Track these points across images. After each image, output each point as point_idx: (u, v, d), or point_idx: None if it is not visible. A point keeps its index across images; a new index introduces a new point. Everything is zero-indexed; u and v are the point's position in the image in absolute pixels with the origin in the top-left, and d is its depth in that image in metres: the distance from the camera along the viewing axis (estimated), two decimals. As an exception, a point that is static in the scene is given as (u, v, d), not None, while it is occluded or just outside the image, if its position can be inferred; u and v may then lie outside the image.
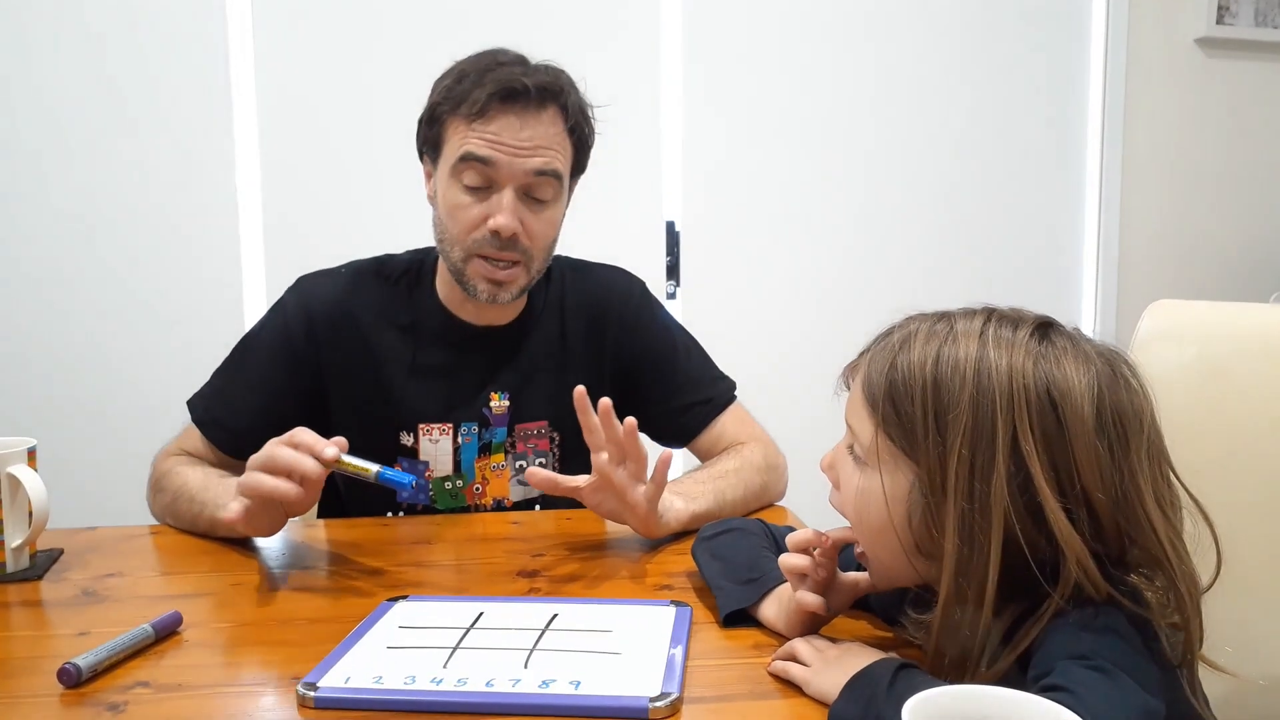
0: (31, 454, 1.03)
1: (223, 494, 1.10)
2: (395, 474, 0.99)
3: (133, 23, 2.21)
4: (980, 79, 2.52)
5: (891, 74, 2.49)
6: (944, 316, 0.73)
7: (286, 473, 0.96)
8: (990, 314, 0.72)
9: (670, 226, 2.44)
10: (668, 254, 2.44)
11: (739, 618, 0.87)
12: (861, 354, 0.77)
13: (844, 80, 2.47)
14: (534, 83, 1.17)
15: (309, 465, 0.96)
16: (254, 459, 0.99)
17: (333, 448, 0.97)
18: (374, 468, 0.99)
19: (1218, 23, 2.54)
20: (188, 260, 2.27)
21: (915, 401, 0.68)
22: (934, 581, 0.71)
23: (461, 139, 1.17)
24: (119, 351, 2.26)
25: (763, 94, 2.45)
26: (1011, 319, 0.71)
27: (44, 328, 2.24)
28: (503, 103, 1.16)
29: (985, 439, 0.66)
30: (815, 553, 0.80)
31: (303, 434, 1.00)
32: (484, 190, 1.18)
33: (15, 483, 1.01)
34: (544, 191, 1.20)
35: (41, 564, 1.04)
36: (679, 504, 1.12)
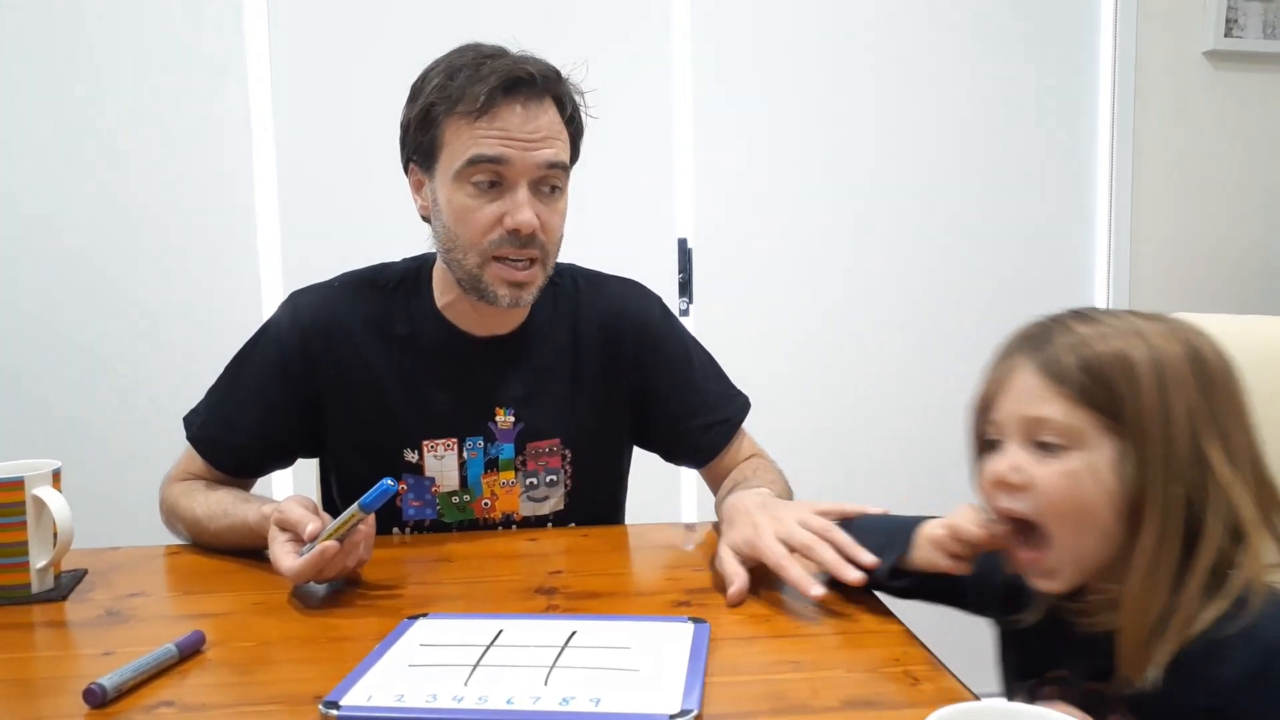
0: (56, 476, 1.04)
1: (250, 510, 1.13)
2: (372, 492, 0.97)
3: (148, 23, 2.24)
4: (991, 93, 2.52)
5: (902, 90, 2.50)
6: (1075, 313, 0.82)
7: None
8: (1115, 310, 0.83)
9: (683, 244, 2.45)
10: (680, 271, 2.45)
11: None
12: (1002, 363, 0.82)
13: (855, 96, 2.48)
14: (536, 71, 1.13)
15: (335, 571, 1.00)
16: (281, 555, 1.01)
17: (313, 524, 0.99)
18: (352, 508, 0.98)
19: (1226, 35, 2.54)
20: (207, 281, 2.29)
21: (1110, 368, 0.76)
22: (1116, 561, 0.77)
23: (467, 140, 1.12)
24: (141, 373, 2.27)
25: (775, 110, 2.46)
26: (1135, 310, 0.83)
27: (67, 350, 2.26)
28: (506, 95, 1.12)
29: (1165, 386, 0.75)
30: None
31: (290, 511, 1.01)
32: (494, 189, 1.14)
33: (40, 504, 1.02)
34: (554, 183, 1.17)
35: (66, 585, 1.05)
36: (764, 490, 1.13)
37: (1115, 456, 0.75)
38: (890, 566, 0.94)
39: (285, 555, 0.99)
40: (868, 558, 0.93)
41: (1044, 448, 0.77)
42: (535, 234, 1.14)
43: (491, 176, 1.13)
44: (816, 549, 0.95)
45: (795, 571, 0.94)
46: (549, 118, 1.15)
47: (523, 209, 1.13)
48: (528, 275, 1.17)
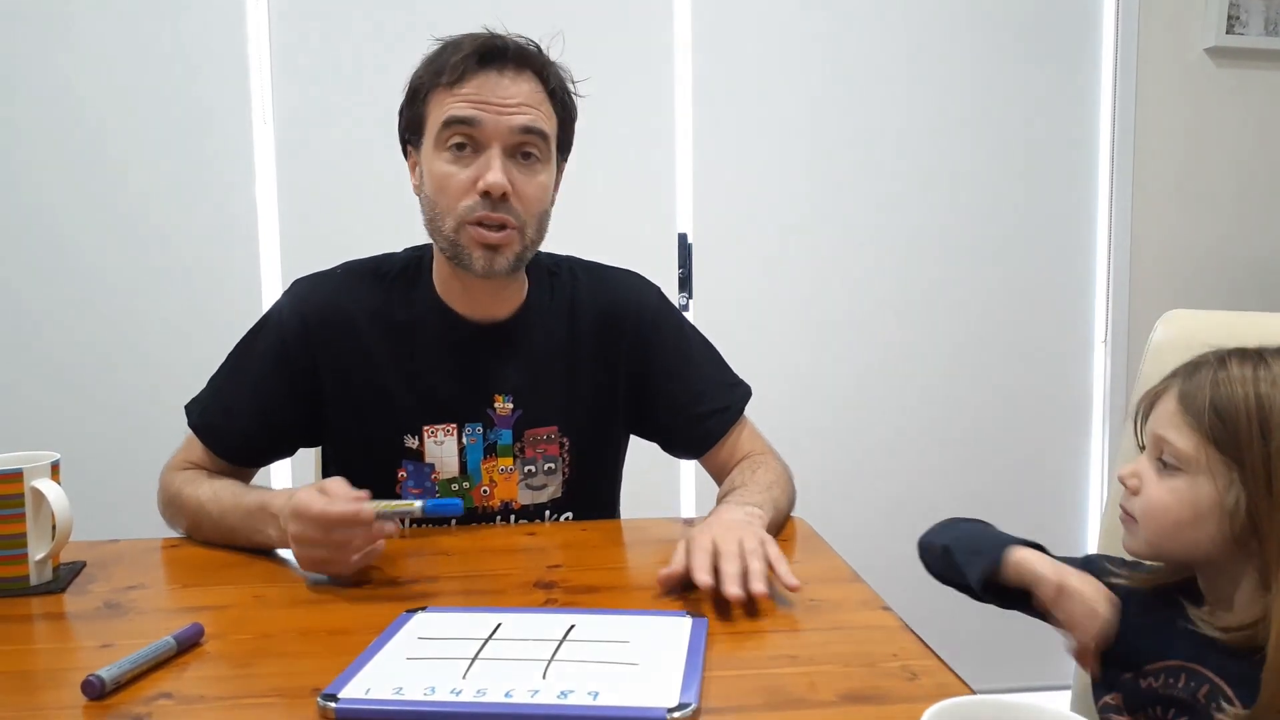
0: (55, 468, 1.04)
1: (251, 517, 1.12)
2: (442, 501, 1.01)
3: (151, 22, 2.24)
4: (991, 91, 2.52)
5: (902, 87, 2.49)
6: (1245, 351, 0.87)
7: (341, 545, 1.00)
8: None
9: (683, 239, 2.45)
10: (680, 266, 2.45)
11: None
12: (1165, 380, 0.91)
13: (856, 94, 2.48)
14: (511, 44, 1.17)
15: (362, 542, 1.00)
16: (304, 523, 1.00)
17: (369, 506, 0.99)
18: (415, 502, 1.01)
19: (1227, 32, 2.53)
20: (208, 271, 2.29)
21: (1240, 412, 0.83)
22: (1204, 566, 0.88)
23: (444, 108, 1.16)
24: (141, 364, 2.27)
25: (774, 107, 2.46)
26: None
27: (66, 342, 2.26)
28: (481, 63, 1.15)
29: None
30: None
31: (336, 485, 1.02)
32: (470, 156, 1.16)
33: (39, 496, 1.02)
34: (530, 150, 1.17)
35: (65, 577, 1.05)
36: (754, 510, 1.11)
37: (1223, 489, 0.83)
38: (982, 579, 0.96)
39: (321, 499, 0.99)
40: (758, 587, 0.93)
41: (1165, 464, 0.87)
42: (509, 198, 1.16)
43: (463, 139, 1.15)
44: (723, 562, 0.96)
45: (698, 575, 0.96)
46: (528, 87, 1.17)
47: (493, 170, 1.14)
48: (501, 237, 1.17)
